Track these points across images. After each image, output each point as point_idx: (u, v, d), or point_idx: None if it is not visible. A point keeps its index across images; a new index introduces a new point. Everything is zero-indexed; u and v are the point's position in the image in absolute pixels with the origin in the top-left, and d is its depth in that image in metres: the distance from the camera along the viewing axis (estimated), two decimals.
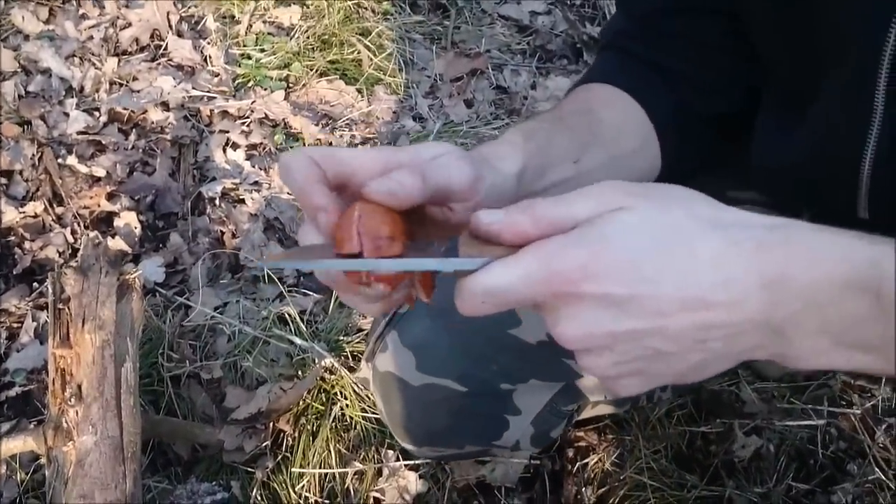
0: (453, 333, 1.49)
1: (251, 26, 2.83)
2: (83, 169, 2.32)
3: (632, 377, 0.83)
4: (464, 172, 0.88)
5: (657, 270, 0.77)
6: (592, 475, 1.82)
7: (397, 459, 1.80)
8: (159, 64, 2.68)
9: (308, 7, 2.89)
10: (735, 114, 1.28)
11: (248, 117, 2.55)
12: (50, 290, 1.64)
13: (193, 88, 2.59)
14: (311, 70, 2.71)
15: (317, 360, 1.92)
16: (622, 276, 0.77)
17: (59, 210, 2.25)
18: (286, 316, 2.02)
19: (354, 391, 1.87)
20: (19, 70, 2.55)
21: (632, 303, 0.77)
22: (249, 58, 2.74)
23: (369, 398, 1.85)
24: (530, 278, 0.78)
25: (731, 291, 0.77)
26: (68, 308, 1.62)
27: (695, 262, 0.77)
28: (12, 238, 2.19)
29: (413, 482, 1.78)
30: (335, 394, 1.88)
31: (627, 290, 0.77)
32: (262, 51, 2.76)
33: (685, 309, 0.77)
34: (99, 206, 2.27)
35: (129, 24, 2.73)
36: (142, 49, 2.72)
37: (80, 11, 2.76)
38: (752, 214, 0.81)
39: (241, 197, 2.35)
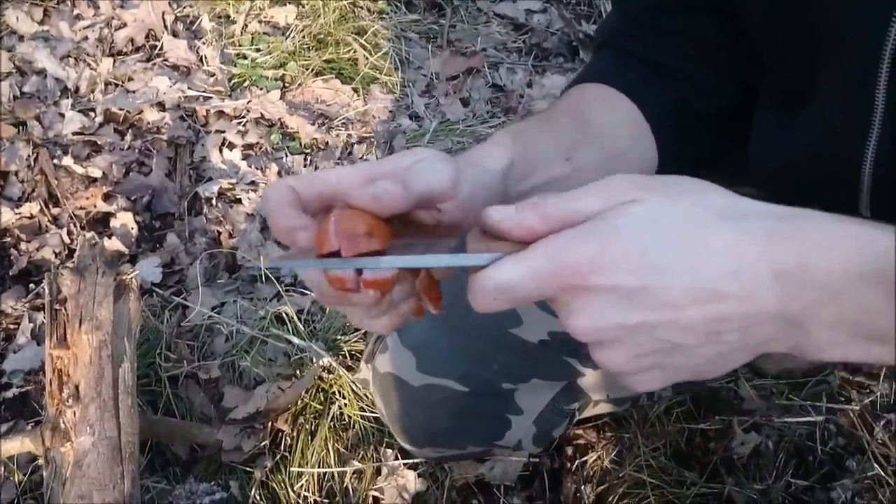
0: (454, 333, 1.49)
1: (246, 26, 2.83)
2: (79, 170, 2.31)
3: (649, 371, 0.82)
4: (443, 174, 0.88)
5: (667, 262, 0.76)
6: (591, 473, 1.82)
7: (396, 458, 1.80)
8: (155, 64, 2.67)
9: (303, 6, 2.89)
10: (733, 111, 1.28)
11: (244, 117, 2.55)
12: (46, 291, 1.64)
13: (189, 88, 2.58)
14: (307, 69, 2.71)
15: (315, 360, 1.92)
16: (632, 268, 0.76)
17: (55, 211, 2.25)
18: (284, 315, 2.02)
19: (353, 390, 1.86)
20: (14, 71, 2.54)
21: (641, 294, 0.77)
22: (245, 57, 2.73)
23: (367, 397, 1.84)
24: (540, 273, 0.77)
25: (742, 282, 0.76)
26: (65, 309, 1.61)
27: (706, 253, 0.76)
28: (8, 239, 2.18)
29: (412, 481, 1.77)
30: (333, 393, 1.87)
31: (637, 282, 0.76)
32: (258, 50, 2.75)
33: (696, 301, 0.77)
34: (95, 206, 2.26)
35: (124, 25, 2.72)
36: (137, 49, 2.72)
37: (75, 12, 2.76)
38: (765, 204, 0.80)
39: (237, 197, 2.35)
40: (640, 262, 0.76)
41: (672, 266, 0.76)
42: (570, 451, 1.85)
